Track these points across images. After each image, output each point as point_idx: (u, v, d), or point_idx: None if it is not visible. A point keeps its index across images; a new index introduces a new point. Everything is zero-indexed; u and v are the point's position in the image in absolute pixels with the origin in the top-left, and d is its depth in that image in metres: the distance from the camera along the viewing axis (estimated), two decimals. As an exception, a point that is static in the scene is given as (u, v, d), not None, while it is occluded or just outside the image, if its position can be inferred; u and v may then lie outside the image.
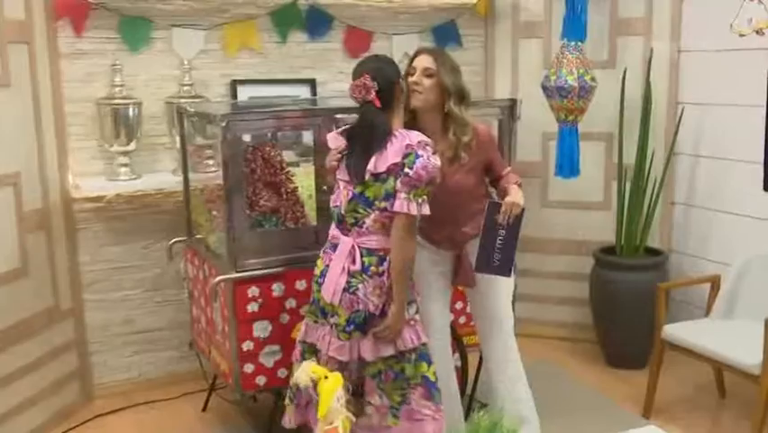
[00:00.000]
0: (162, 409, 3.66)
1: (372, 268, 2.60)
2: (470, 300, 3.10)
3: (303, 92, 3.97)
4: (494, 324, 2.98)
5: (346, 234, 2.64)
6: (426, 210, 2.56)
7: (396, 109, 2.64)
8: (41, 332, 3.42)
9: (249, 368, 2.98)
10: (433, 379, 2.71)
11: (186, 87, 3.64)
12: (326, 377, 2.11)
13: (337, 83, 3.96)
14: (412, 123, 2.74)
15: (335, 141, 2.72)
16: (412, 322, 2.68)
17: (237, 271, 2.94)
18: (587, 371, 4.05)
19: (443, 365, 2.94)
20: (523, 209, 2.73)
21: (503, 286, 2.95)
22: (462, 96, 2.76)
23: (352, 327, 2.60)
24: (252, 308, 2.94)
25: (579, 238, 4.32)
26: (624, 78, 4.00)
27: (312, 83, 3.99)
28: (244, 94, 3.84)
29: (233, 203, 2.94)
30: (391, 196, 2.55)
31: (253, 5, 3.76)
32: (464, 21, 4.31)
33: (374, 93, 2.55)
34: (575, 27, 3.83)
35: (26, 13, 3.26)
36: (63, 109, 3.51)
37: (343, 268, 2.60)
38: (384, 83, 2.57)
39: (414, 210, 2.53)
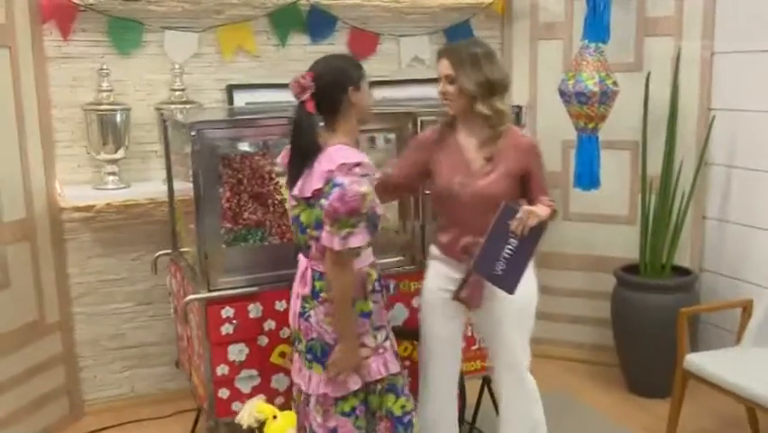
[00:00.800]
0: (151, 429, 3.53)
1: (323, 294, 2.36)
2: (479, 331, 2.85)
3: (304, 97, 3.76)
4: (505, 360, 2.65)
5: (305, 255, 2.44)
6: (356, 242, 2.24)
7: (341, 119, 2.35)
8: (25, 346, 3.31)
9: (224, 393, 2.79)
10: (399, 413, 2.47)
11: (177, 93, 3.49)
12: (275, 417, 1.92)
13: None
14: (455, 123, 2.60)
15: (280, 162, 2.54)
16: (381, 350, 2.44)
17: (210, 290, 2.75)
18: (604, 397, 3.77)
19: (442, 398, 2.71)
20: (543, 224, 2.42)
21: (514, 310, 2.58)
22: (492, 88, 2.49)
23: (310, 355, 2.40)
24: (227, 329, 2.75)
25: (600, 254, 4.02)
26: (647, 81, 3.69)
27: (314, 87, 3.78)
28: (241, 99, 3.65)
29: (204, 216, 2.75)
30: (321, 226, 2.30)
31: (249, 6, 3.58)
32: (479, 21, 4.05)
33: (308, 95, 2.28)
34: (597, 27, 3.56)
35: (7, 16, 3.15)
36: (49, 115, 3.38)
37: (297, 293, 2.41)
38: (324, 87, 2.29)
39: (336, 246, 2.22)
